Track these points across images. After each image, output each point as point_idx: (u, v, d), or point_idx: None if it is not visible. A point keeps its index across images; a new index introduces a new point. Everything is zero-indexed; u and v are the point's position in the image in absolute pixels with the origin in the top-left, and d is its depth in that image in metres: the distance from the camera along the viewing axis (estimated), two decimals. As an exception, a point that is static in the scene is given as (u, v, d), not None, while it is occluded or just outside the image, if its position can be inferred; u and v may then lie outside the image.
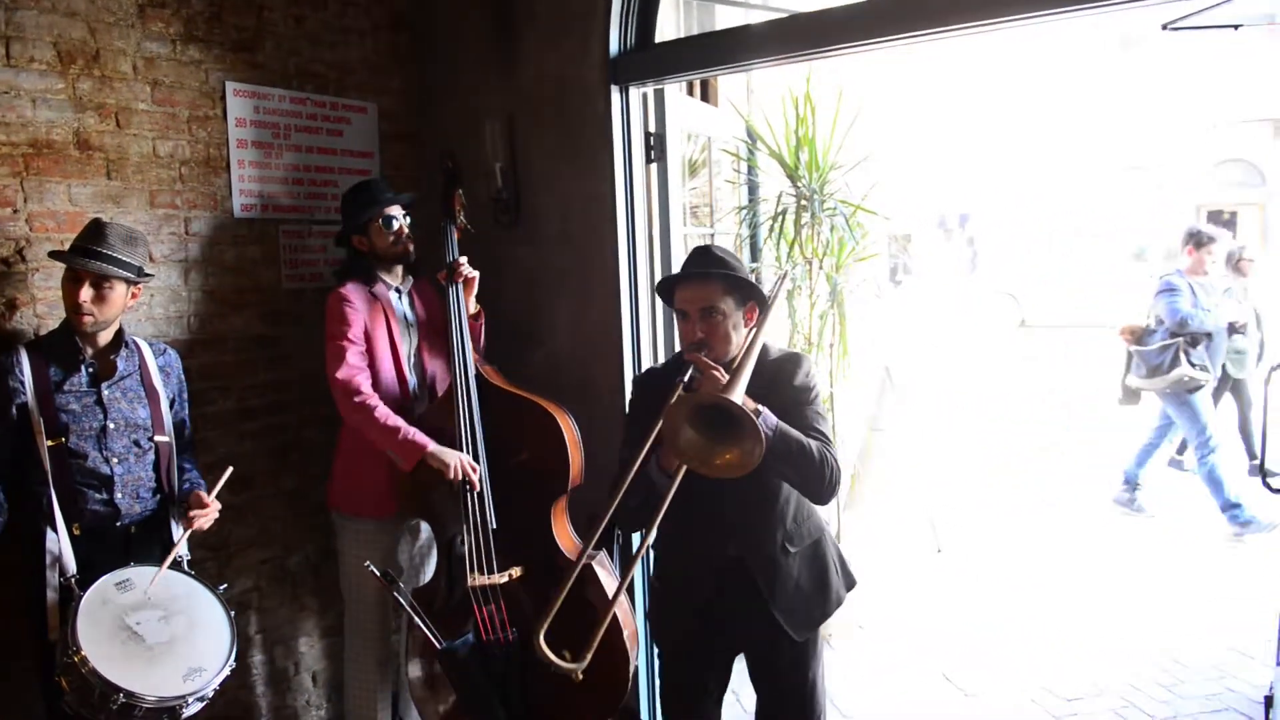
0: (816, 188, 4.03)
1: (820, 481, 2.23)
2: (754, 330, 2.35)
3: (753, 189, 4.45)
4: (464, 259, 3.02)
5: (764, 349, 2.37)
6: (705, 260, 2.36)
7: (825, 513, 4.35)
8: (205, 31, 3.04)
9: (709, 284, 2.29)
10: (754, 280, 2.41)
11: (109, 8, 2.80)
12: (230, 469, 2.63)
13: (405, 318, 3.09)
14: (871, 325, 4.42)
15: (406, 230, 3.06)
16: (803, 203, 4.04)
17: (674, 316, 2.47)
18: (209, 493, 2.58)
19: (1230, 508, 5.56)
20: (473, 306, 3.08)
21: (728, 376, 2.12)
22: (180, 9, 2.97)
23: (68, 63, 2.71)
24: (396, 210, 3.03)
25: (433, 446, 2.79)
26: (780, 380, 2.32)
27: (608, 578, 2.87)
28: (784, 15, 3.03)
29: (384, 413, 2.85)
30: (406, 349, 3.07)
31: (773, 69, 3.83)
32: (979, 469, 7.43)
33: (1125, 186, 17.46)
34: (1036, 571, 5.16)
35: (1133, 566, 5.16)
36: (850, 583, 2.52)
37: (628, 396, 2.72)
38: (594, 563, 2.85)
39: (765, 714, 2.51)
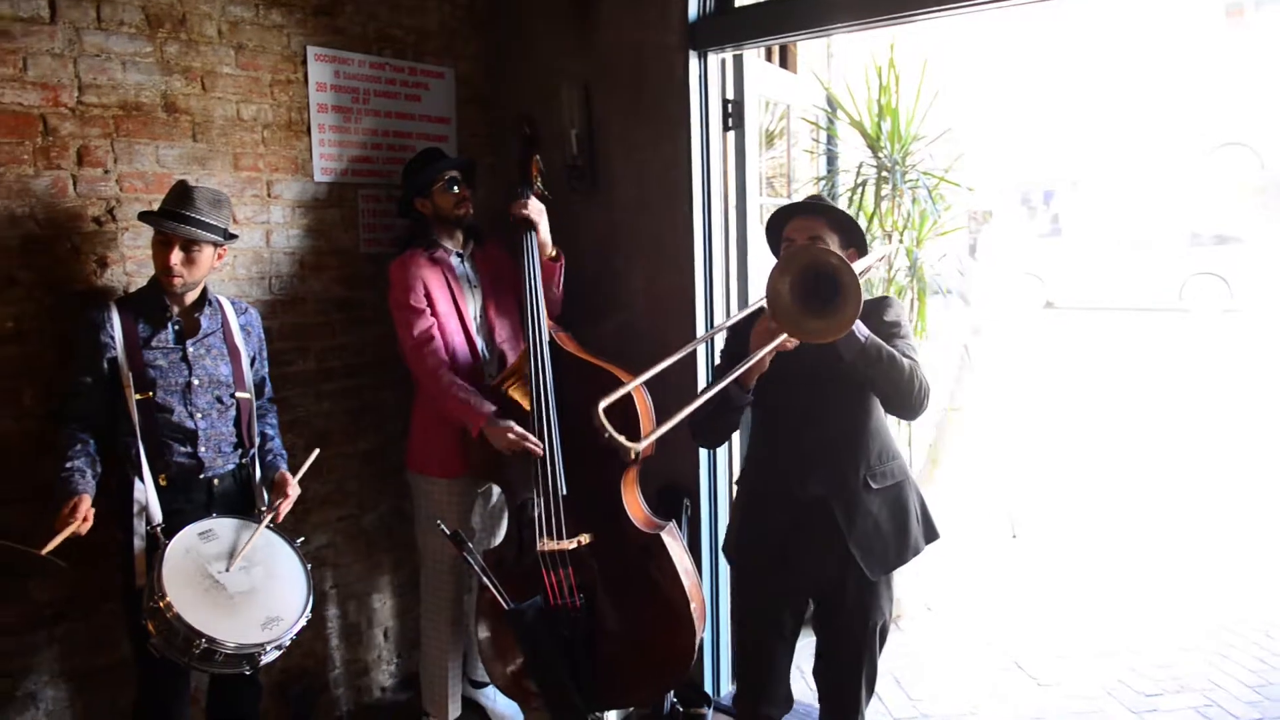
0: (898, 159, 3.91)
1: (910, 393, 2.22)
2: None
3: (831, 159, 4.35)
4: (530, 200, 2.99)
5: None
6: (817, 199, 2.48)
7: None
8: (288, -4, 3.08)
9: (820, 217, 2.36)
10: (861, 229, 2.45)
11: (196, -28, 2.85)
12: (316, 451, 2.70)
13: (468, 279, 3.11)
14: (952, 302, 4.28)
15: (467, 193, 3.08)
16: (884, 174, 3.93)
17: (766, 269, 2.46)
18: (294, 474, 2.65)
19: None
20: (550, 249, 3.07)
21: None
22: (264, -27, 3.01)
23: (155, 26, 2.76)
24: (455, 173, 3.07)
25: (487, 421, 2.82)
26: (872, 317, 2.33)
27: (676, 548, 2.86)
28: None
29: (448, 381, 2.89)
30: (472, 310, 3.09)
31: (856, 34, 3.73)
32: (1059, 453, 7.21)
33: (1218, 164, 16.66)
34: (1116, 560, 4.99)
35: (1222, 560, 4.95)
36: (931, 534, 2.50)
37: (718, 347, 2.70)
38: (663, 533, 2.84)
39: (822, 658, 2.53)
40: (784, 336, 2.10)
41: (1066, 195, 21.29)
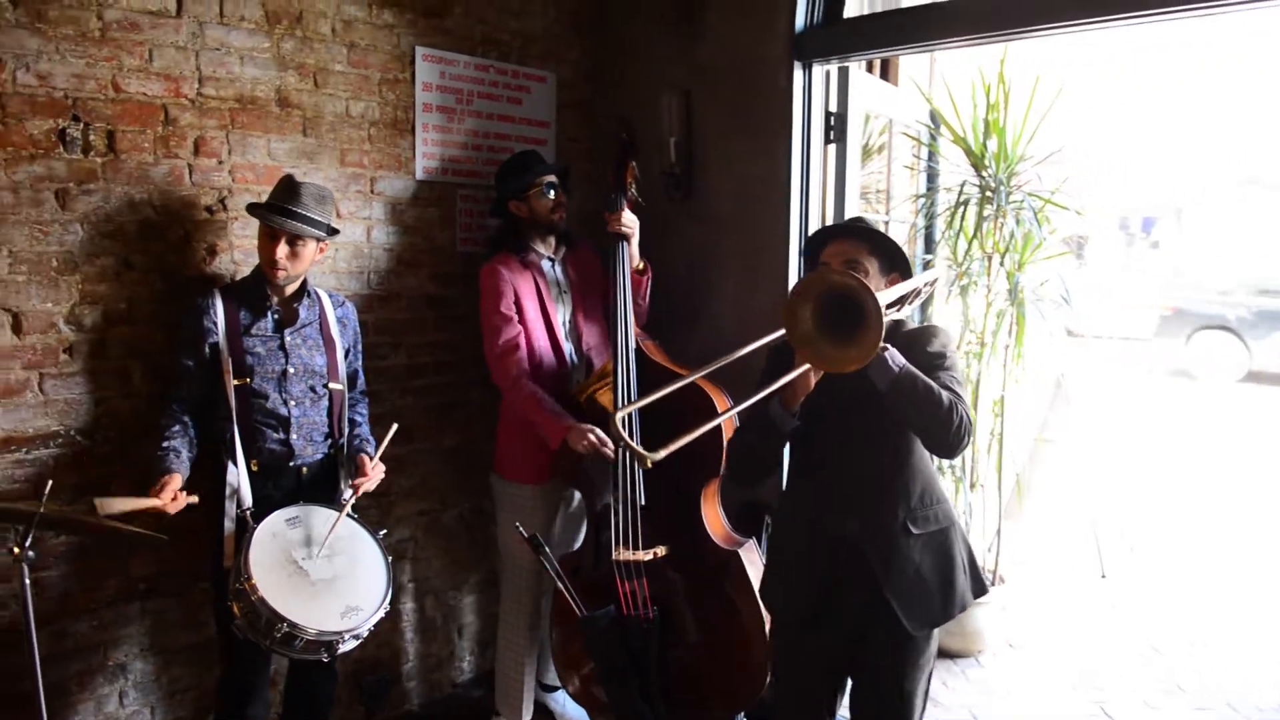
0: (1003, 179, 3.79)
1: (946, 427, 2.07)
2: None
3: (932, 176, 4.24)
4: (625, 213, 3.00)
5: (901, 324, 2.31)
6: (859, 221, 2.38)
7: (985, 521, 4.16)
8: (400, -4, 3.13)
9: (859, 239, 2.26)
10: (904, 253, 2.32)
11: (315, -30, 2.92)
12: (395, 426, 2.71)
13: (558, 284, 3.11)
14: (1052, 328, 4.12)
15: (563, 199, 3.09)
16: (987, 194, 3.81)
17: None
18: (375, 451, 2.68)
19: None
20: (638, 261, 3.06)
21: None
22: (378, -26, 3.07)
23: (274, 23, 2.84)
24: (553, 178, 3.07)
25: (569, 430, 2.83)
26: (915, 347, 2.20)
27: (754, 567, 2.81)
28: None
29: (531, 391, 2.91)
30: (561, 316, 3.10)
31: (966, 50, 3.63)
32: (1153, 491, 6.91)
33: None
34: (1211, 606, 4.74)
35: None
36: (979, 589, 2.32)
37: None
38: (742, 550, 2.79)
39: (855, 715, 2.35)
40: (806, 366, 2.00)
41: (1169, 224, 20.47)
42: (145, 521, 2.25)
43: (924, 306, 3.99)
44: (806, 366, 2.00)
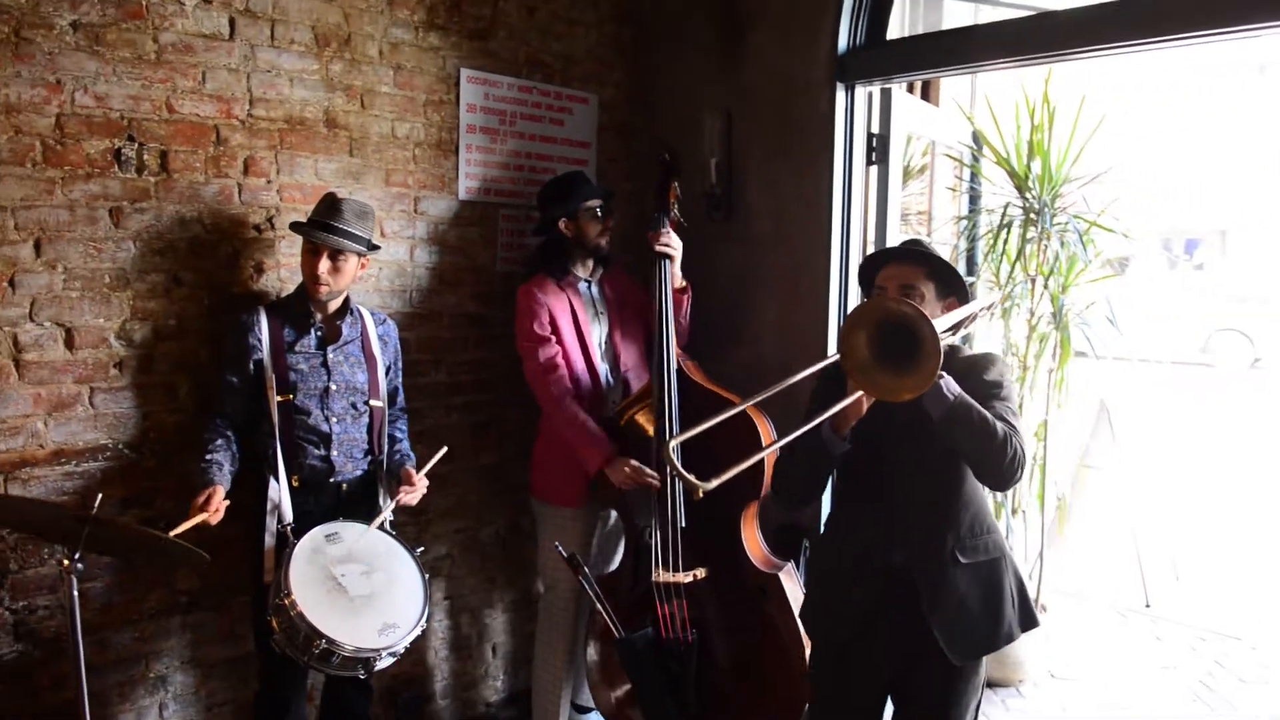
0: (1048, 200, 3.75)
1: (999, 460, 2.03)
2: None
3: (974, 198, 4.20)
4: (668, 233, 3.00)
5: (957, 350, 2.27)
6: (915, 244, 2.33)
7: (1027, 548, 4.09)
8: (445, 19, 3.17)
9: (915, 263, 2.22)
10: (962, 277, 2.28)
11: (363, -6, 2.97)
12: (444, 449, 2.73)
13: (594, 304, 3.12)
14: (1096, 352, 4.06)
15: (610, 223, 3.10)
16: (1031, 216, 3.77)
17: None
18: (419, 469, 2.69)
19: None
20: (679, 280, 3.06)
21: None
22: (426, -3, 3.12)
23: (323, 45, 2.89)
24: (602, 202, 3.09)
25: (608, 458, 2.84)
26: (971, 375, 2.16)
27: (793, 590, 2.78)
28: (1033, 13, 2.83)
29: (571, 413, 2.91)
30: (597, 337, 3.10)
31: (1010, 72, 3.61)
32: (1201, 520, 6.75)
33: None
34: (1259, 638, 4.61)
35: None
36: (1028, 622, 2.26)
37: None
38: (781, 574, 2.77)
39: None
40: (859, 393, 1.97)
41: (1212, 245, 20.13)
42: (188, 533, 2.28)
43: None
44: (860, 393, 1.98)
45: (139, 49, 2.54)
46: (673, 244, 3.00)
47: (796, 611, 2.74)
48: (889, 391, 1.88)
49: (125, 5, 2.51)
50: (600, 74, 3.67)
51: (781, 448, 2.13)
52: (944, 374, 2.00)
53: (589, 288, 3.13)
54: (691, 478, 1.67)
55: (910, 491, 2.18)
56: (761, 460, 2.77)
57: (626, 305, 3.19)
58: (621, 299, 3.19)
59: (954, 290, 2.23)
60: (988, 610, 2.18)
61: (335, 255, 2.56)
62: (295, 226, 2.62)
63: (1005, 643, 2.21)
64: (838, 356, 1.95)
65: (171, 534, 2.16)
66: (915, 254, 2.25)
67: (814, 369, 2.04)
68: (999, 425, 2.03)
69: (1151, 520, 5.36)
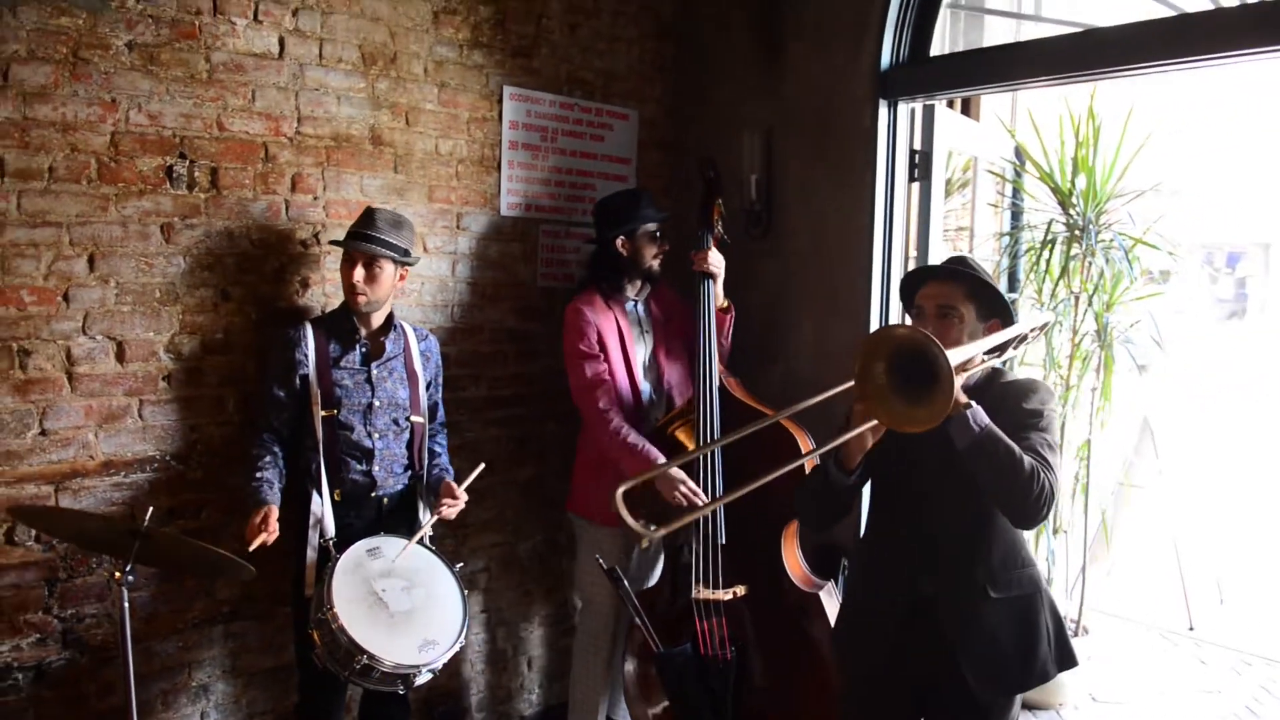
0: (1092, 217, 3.70)
1: (1024, 496, 1.93)
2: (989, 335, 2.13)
3: (1016, 214, 4.16)
4: (711, 252, 3.00)
5: (999, 373, 2.20)
6: (958, 263, 2.24)
7: (1069, 568, 4.02)
8: (489, 37, 3.20)
9: (955, 282, 2.14)
10: (1006, 298, 2.20)
11: (408, 14, 3.00)
12: (483, 465, 2.75)
13: (640, 322, 3.12)
14: (1141, 370, 3.99)
15: (666, 247, 3.12)
16: (1075, 233, 3.73)
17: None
18: (460, 484, 2.70)
19: None
20: (722, 300, 3.06)
21: None
22: (470, 15, 3.15)
23: (369, 64, 2.93)
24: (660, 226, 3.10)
25: (657, 470, 2.80)
26: (1009, 401, 2.09)
27: (833, 608, 2.76)
28: (1077, 30, 2.80)
29: (618, 426, 2.91)
30: (641, 355, 3.10)
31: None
32: (1246, 541, 6.61)
33: None
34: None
35: None
36: (1066, 661, 2.16)
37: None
38: (821, 593, 2.75)
39: None
40: (873, 421, 1.90)
41: (1254, 259, 19.75)
42: (230, 544, 2.32)
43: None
44: (864, 428, 1.93)
45: (191, 68, 2.59)
46: (714, 263, 3.00)
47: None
48: (902, 421, 1.80)
49: (179, 26, 2.56)
50: (641, 90, 3.69)
51: (796, 477, 2.07)
52: (973, 404, 1.95)
53: (636, 306, 3.14)
54: (637, 526, 1.62)
55: (941, 521, 2.12)
56: (802, 477, 2.77)
57: (671, 323, 3.19)
58: (667, 317, 3.19)
59: (997, 312, 2.16)
60: (1021, 648, 2.11)
61: (370, 264, 2.59)
62: (333, 241, 2.66)
63: (1039, 682, 2.14)
64: (852, 383, 1.88)
65: (249, 550, 2.24)
66: (956, 272, 2.17)
67: (830, 393, 1.97)
68: (1027, 460, 1.95)
69: (1195, 540, 5.27)
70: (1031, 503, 1.94)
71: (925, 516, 2.13)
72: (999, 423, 1.98)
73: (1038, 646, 2.12)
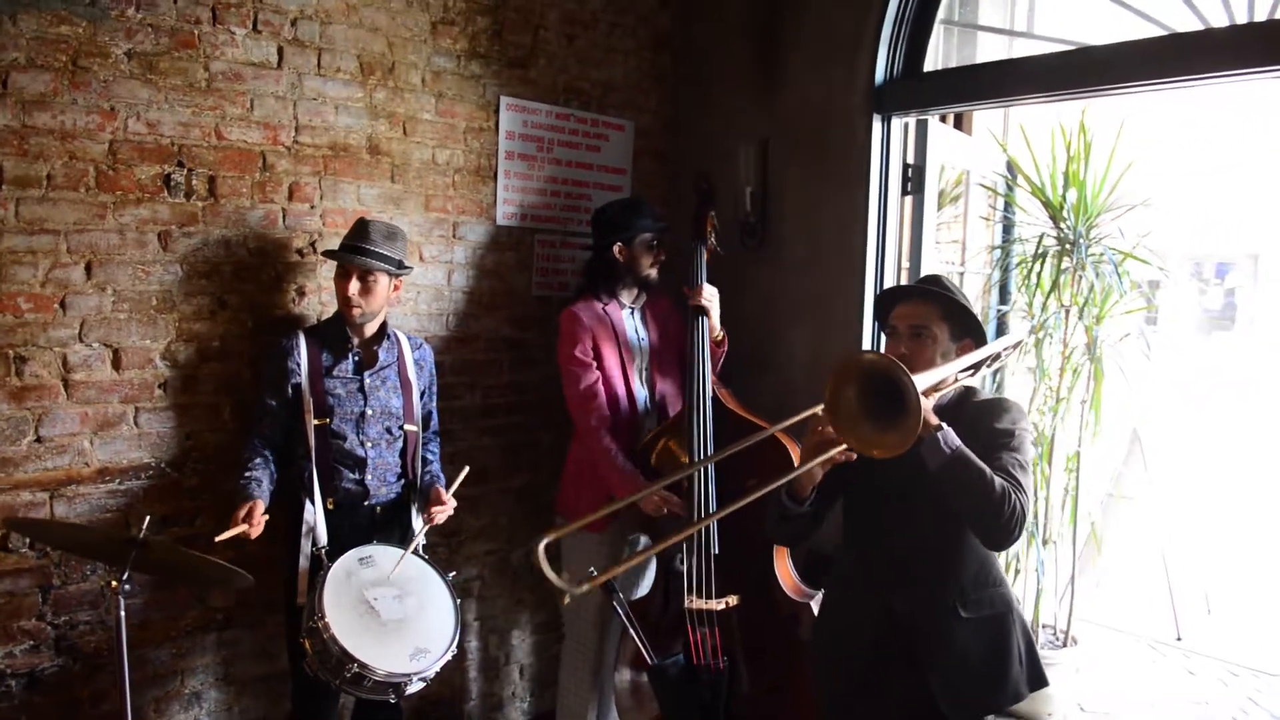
0: (1083, 231, 3.74)
1: (995, 518, 1.94)
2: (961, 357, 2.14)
3: (1008, 227, 4.19)
4: (705, 287, 3.01)
5: (972, 392, 2.20)
6: (932, 283, 2.24)
7: (1058, 578, 4.04)
8: (487, 47, 3.22)
9: (928, 303, 2.14)
10: (979, 317, 2.21)
11: (407, 24, 3.02)
12: (467, 468, 2.76)
13: (636, 333, 3.14)
14: (1130, 383, 4.02)
15: (662, 256, 3.13)
16: (1066, 246, 3.76)
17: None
18: (448, 488, 2.72)
19: None
20: (717, 332, 3.07)
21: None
22: (467, 26, 3.17)
23: (367, 74, 2.95)
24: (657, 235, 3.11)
25: (629, 492, 2.82)
26: (982, 421, 2.09)
27: (824, 620, 2.78)
28: (1069, 48, 2.83)
29: (607, 445, 2.93)
30: (637, 364, 3.12)
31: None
32: (1234, 551, 6.65)
33: None
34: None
35: None
36: (1037, 681, 2.17)
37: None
38: (813, 603, 2.77)
39: None
40: (842, 446, 1.90)
41: (1244, 270, 19.88)
42: (225, 553, 2.32)
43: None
44: (814, 462, 1.94)
45: (190, 77, 2.60)
46: (708, 297, 3.00)
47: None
48: (871, 445, 1.81)
49: (178, 35, 2.57)
50: (637, 101, 3.71)
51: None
52: (944, 426, 1.95)
53: (632, 314, 3.15)
54: (560, 582, 1.63)
55: (911, 540, 2.12)
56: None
57: (667, 332, 3.21)
58: (663, 326, 3.21)
59: (970, 332, 2.16)
60: (991, 668, 2.11)
61: (365, 276, 2.60)
62: (327, 253, 2.67)
63: (1011, 703, 2.14)
64: (821, 408, 1.90)
65: (216, 539, 2.23)
66: (929, 293, 2.17)
67: (797, 419, 2.00)
68: (998, 481, 1.95)
69: (1184, 551, 5.30)
70: (1002, 524, 1.95)
71: (897, 534, 2.14)
72: (971, 443, 1.99)
73: (1009, 667, 2.13)
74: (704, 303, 3.00)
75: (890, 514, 2.16)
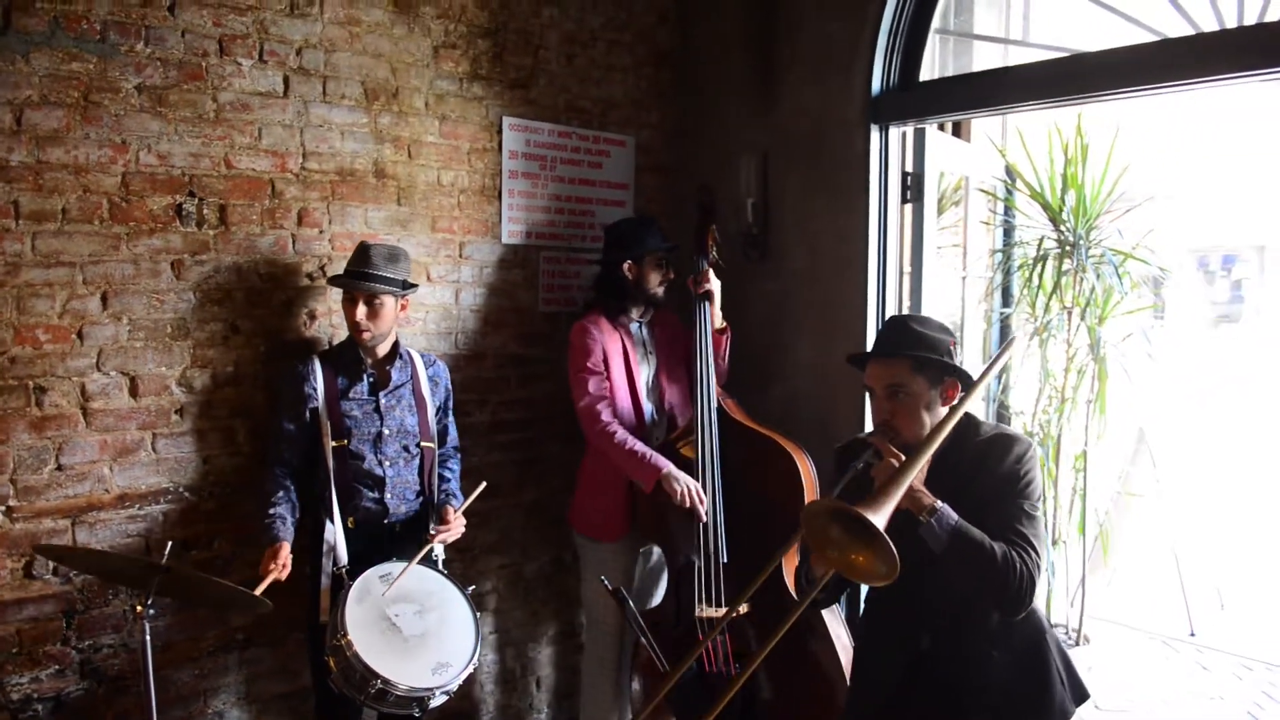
0: (1083, 233, 3.77)
1: (1000, 592, 1.92)
2: (949, 411, 2.07)
3: (1008, 231, 4.23)
4: (708, 271, 3.08)
5: (974, 426, 2.13)
6: (896, 334, 2.16)
7: (1069, 577, 4.06)
8: (488, 70, 3.27)
9: (894, 363, 2.08)
10: (952, 355, 2.13)
11: (409, 49, 3.07)
12: (484, 484, 2.80)
13: (644, 345, 3.19)
14: (1135, 381, 4.05)
15: (671, 275, 3.18)
16: (1066, 249, 3.79)
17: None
18: (462, 505, 2.76)
19: None
20: (719, 321, 3.12)
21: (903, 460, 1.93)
22: (469, 49, 3.22)
23: (372, 99, 3.00)
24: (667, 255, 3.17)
25: (668, 469, 2.88)
26: (988, 461, 2.05)
27: (836, 626, 2.81)
28: (1064, 55, 2.87)
29: (623, 437, 2.96)
30: (644, 376, 3.16)
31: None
32: (1245, 546, 6.65)
33: None
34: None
35: None
36: (1080, 695, 2.12)
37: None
38: (825, 612, 2.79)
39: None
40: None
41: (1250, 261, 19.82)
42: (245, 571, 2.36)
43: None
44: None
45: (199, 108, 2.65)
46: (711, 283, 3.07)
47: (839, 646, 2.77)
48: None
49: (186, 67, 2.63)
50: (638, 117, 3.75)
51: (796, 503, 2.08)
52: (939, 507, 1.93)
53: (640, 329, 3.20)
54: None
55: (938, 585, 2.05)
56: (803, 496, 2.83)
57: (673, 345, 3.26)
58: (669, 339, 3.26)
59: (949, 371, 2.10)
60: (1034, 700, 2.07)
61: (371, 300, 2.64)
62: (331, 280, 2.72)
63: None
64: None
65: (255, 593, 2.25)
66: (890, 354, 2.11)
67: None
68: (998, 549, 1.92)
69: (1195, 546, 5.31)
70: (1011, 595, 1.93)
71: (924, 578, 2.05)
72: (978, 486, 1.98)
73: (1052, 694, 2.08)
74: (709, 288, 3.06)
75: (914, 563, 2.06)
